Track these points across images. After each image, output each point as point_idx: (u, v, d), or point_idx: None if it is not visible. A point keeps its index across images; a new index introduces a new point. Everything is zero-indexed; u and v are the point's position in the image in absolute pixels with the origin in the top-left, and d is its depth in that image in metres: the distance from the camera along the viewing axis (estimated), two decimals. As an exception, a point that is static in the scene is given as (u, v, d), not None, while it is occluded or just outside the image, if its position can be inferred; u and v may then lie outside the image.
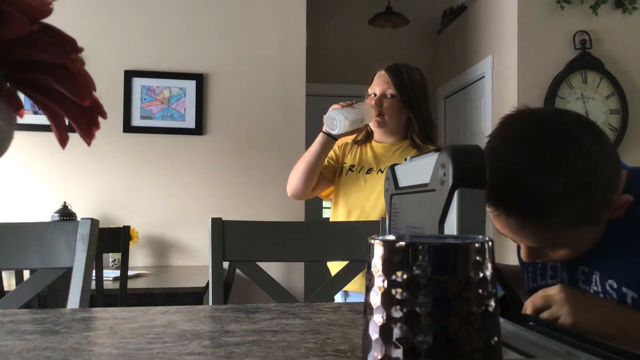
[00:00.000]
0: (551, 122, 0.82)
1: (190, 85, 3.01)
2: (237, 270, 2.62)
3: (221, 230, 1.32)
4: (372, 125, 1.84)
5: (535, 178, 0.77)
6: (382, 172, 1.82)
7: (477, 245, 0.37)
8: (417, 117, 1.84)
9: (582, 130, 0.80)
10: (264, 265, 1.34)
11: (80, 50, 0.39)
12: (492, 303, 0.38)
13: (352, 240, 1.38)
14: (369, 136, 1.92)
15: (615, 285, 0.82)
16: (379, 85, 1.85)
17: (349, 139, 1.93)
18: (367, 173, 1.83)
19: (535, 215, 0.78)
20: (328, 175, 1.89)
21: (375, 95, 1.85)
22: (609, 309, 0.79)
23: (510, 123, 0.86)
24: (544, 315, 0.75)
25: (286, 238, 1.37)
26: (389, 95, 1.83)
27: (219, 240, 1.31)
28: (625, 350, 0.52)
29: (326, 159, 1.87)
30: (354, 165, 1.87)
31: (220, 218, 1.33)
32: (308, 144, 3.27)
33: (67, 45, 0.39)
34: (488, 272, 0.38)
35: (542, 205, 0.77)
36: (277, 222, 1.42)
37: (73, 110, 0.42)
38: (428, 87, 1.93)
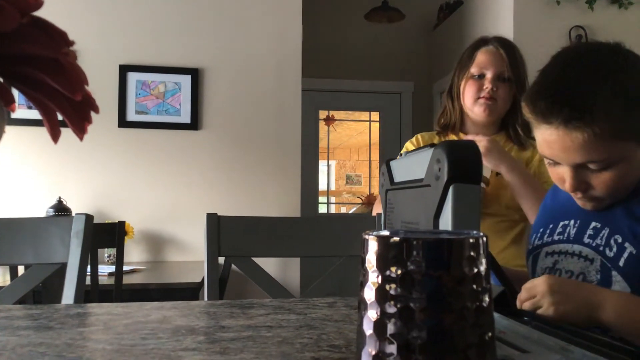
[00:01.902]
0: (600, 44, 0.91)
1: (186, 80, 3.00)
2: (233, 266, 2.62)
3: (216, 225, 1.32)
4: (479, 114, 1.50)
5: (588, 83, 0.84)
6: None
7: (471, 240, 0.37)
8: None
9: (628, 52, 0.88)
10: (259, 260, 1.34)
11: (72, 43, 0.39)
12: (487, 298, 0.38)
13: (347, 235, 1.38)
14: (457, 125, 1.58)
15: (619, 240, 0.86)
16: (493, 64, 1.48)
17: (427, 134, 1.63)
18: None
19: (587, 117, 0.82)
20: None
21: (479, 77, 1.49)
22: (590, 293, 0.79)
23: (561, 52, 0.94)
24: (526, 305, 0.76)
25: (282, 233, 1.37)
26: (505, 78, 1.49)
27: (214, 236, 1.31)
28: (621, 345, 0.52)
29: None
30: None
31: (216, 213, 1.33)
32: (304, 139, 3.28)
33: (58, 39, 0.38)
34: (482, 268, 0.38)
35: (592, 109, 0.82)
36: (273, 218, 1.42)
37: (65, 104, 0.41)
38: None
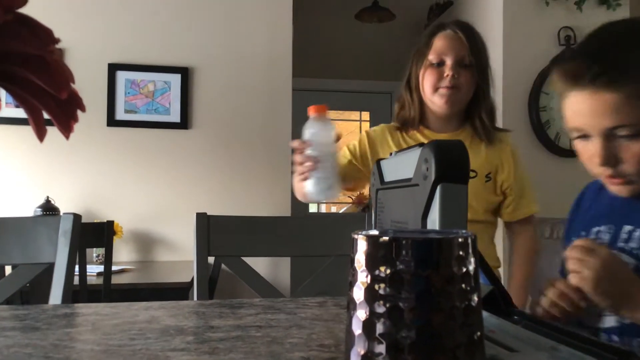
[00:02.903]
0: (636, 18, 0.92)
1: (175, 79, 2.99)
2: (223, 266, 2.61)
3: (206, 225, 1.31)
4: (440, 105, 1.39)
5: (621, 45, 0.84)
6: None
7: (460, 240, 0.37)
8: (487, 95, 1.43)
9: None
10: (249, 260, 1.33)
11: (58, 41, 0.38)
12: (475, 298, 0.38)
13: (337, 235, 1.38)
14: (416, 119, 1.45)
15: None
16: (452, 49, 1.37)
17: (380, 127, 1.51)
18: None
19: (617, 76, 0.80)
20: (356, 175, 1.46)
21: (438, 64, 1.38)
22: (635, 287, 0.79)
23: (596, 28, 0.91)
24: (570, 263, 0.79)
25: (272, 233, 1.37)
26: (467, 64, 1.37)
27: (204, 235, 1.30)
28: (609, 344, 0.52)
29: (343, 160, 1.43)
30: None
31: (205, 213, 1.33)
32: (294, 139, 3.26)
33: (43, 36, 0.38)
34: (471, 267, 0.38)
35: (624, 67, 0.80)
36: (263, 217, 1.42)
37: (51, 103, 0.41)
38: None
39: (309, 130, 1.17)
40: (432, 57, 1.39)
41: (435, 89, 1.38)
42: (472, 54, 1.37)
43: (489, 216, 1.47)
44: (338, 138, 1.17)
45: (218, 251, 1.32)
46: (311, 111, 1.17)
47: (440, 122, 1.45)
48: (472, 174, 1.37)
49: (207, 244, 1.30)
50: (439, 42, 1.39)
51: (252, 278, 1.32)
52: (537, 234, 1.55)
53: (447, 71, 1.36)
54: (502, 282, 1.38)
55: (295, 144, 1.19)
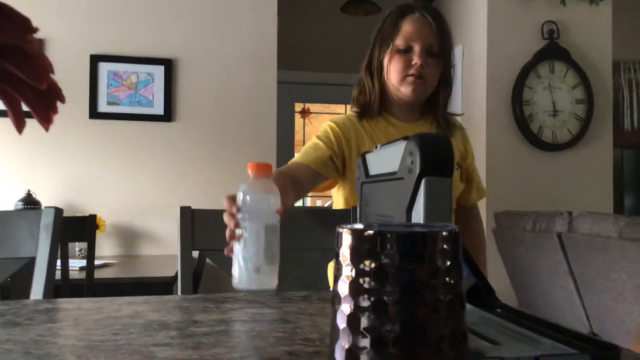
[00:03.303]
0: None
1: (159, 71, 2.96)
2: (207, 260, 2.60)
3: (190, 218, 1.30)
4: (407, 94, 1.31)
5: None
6: None
7: (444, 233, 0.37)
8: (450, 84, 1.38)
9: None
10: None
11: (36, 30, 0.37)
12: (459, 291, 0.38)
13: (323, 228, 1.37)
14: (376, 105, 1.37)
15: None
16: (421, 35, 1.29)
17: (342, 117, 1.42)
18: None
19: None
20: (330, 175, 1.33)
21: (405, 50, 1.30)
22: None
23: None
24: None
25: None
26: (434, 52, 1.30)
27: (187, 229, 1.29)
28: (589, 336, 0.53)
29: (320, 155, 1.31)
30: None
31: (189, 206, 1.31)
32: (279, 131, 3.26)
33: (21, 25, 0.37)
34: (455, 260, 0.38)
35: None
36: None
37: (29, 94, 0.40)
38: None
39: (243, 193, 0.90)
40: (399, 42, 1.30)
41: (403, 77, 1.31)
42: (441, 41, 1.30)
43: (454, 204, 1.45)
44: (281, 210, 0.90)
45: (202, 245, 1.31)
46: (250, 169, 0.92)
47: (403, 110, 1.38)
48: None
49: (192, 238, 1.30)
50: (407, 27, 1.30)
51: None
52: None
53: (416, 59, 1.29)
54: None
55: (226, 202, 0.92)
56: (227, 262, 1.31)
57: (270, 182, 0.92)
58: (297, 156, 1.33)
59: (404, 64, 1.30)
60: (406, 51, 1.30)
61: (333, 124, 1.38)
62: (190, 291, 1.26)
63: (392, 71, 1.32)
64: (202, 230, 1.31)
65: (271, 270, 0.88)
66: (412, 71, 1.29)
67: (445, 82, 1.36)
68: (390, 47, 1.32)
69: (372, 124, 1.37)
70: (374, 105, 1.36)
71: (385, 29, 1.34)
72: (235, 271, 0.88)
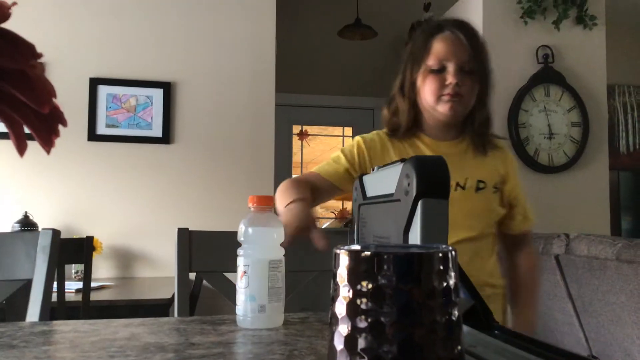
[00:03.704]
0: None
1: (158, 94, 2.98)
2: (204, 282, 2.59)
3: (187, 240, 1.30)
4: (444, 114, 1.28)
5: None
6: (462, 187, 1.27)
7: (440, 254, 0.38)
8: (488, 101, 1.33)
9: None
10: (231, 276, 1.32)
11: (40, 55, 0.38)
12: (456, 312, 0.38)
13: (319, 250, 1.37)
14: (409, 127, 1.34)
15: None
16: (454, 54, 1.25)
17: (372, 134, 1.39)
18: None
19: None
20: (346, 188, 1.31)
21: (439, 70, 1.26)
22: None
23: None
24: None
25: None
26: (467, 70, 1.26)
27: (185, 251, 1.29)
28: (589, 358, 0.53)
29: (337, 167, 1.31)
30: None
31: (187, 228, 1.32)
32: (277, 154, 3.27)
33: (25, 51, 0.38)
34: (452, 282, 0.38)
35: None
36: None
37: (32, 117, 0.41)
38: None
39: (244, 227, 0.88)
40: (431, 62, 1.27)
41: (438, 96, 1.27)
42: (475, 59, 1.26)
43: (494, 229, 1.37)
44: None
45: (199, 267, 1.31)
46: (251, 202, 0.90)
47: (440, 130, 1.34)
48: (481, 185, 1.29)
49: (189, 260, 1.29)
50: (439, 46, 1.27)
51: (234, 294, 1.30)
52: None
53: (450, 79, 1.25)
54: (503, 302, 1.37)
55: (315, 237, 0.95)
56: (224, 284, 1.31)
57: (273, 215, 0.90)
58: (316, 167, 1.34)
59: (439, 83, 1.27)
60: (440, 71, 1.27)
61: (360, 140, 1.37)
62: (187, 313, 1.25)
63: (427, 91, 1.29)
64: (199, 252, 1.31)
65: (276, 309, 0.87)
66: (447, 90, 1.26)
67: (481, 100, 1.32)
68: (423, 68, 1.29)
69: (404, 141, 1.35)
70: (407, 127, 1.34)
71: (416, 50, 1.31)
72: (240, 309, 0.87)
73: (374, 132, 1.40)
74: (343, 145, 5.15)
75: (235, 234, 1.39)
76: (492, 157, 1.35)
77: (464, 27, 1.29)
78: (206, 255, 1.32)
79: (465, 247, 1.26)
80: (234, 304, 1.28)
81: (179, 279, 1.27)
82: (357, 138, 1.38)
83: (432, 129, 1.35)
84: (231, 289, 1.31)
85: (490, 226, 1.34)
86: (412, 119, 1.34)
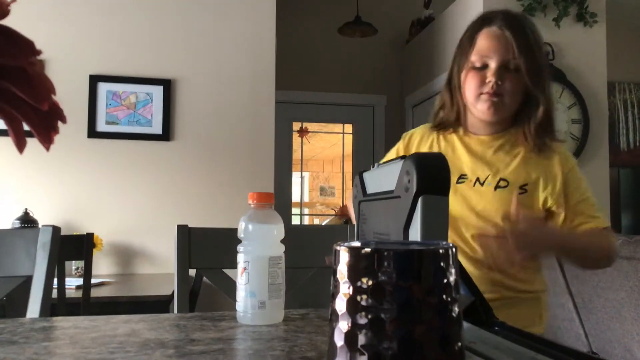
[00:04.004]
0: None
1: (158, 91, 2.97)
2: (204, 278, 2.59)
3: (187, 237, 1.30)
4: (483, 112, 1.25)
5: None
6: (480, 183, 1.24)
7: (441, 251, 0.38)
8: (544, 100, 1.25)
9: None
10: (231, 272, 1.33)
11: (39, 52, 0.38)
12: (456, 309, 0.38)
13: (320, 247, 1.38)
14: (454, 121, 1.32)
15: None
16: (496, 51, 1.21)
17: (417, 128, 1.40)
18: (458, 182, 1.27)
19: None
20: None
21: (480, 67, 1.23)
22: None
23: None
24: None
25: None
26: (512, 68, 1.21)
27: (184, 248, 1.29)
28: (589, 355, 0.53)
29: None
30: None
31: (187, 225, 1.32)
32: (277, 151, 3.27)
33: (25, 48, 0.38)
34: (452, 278, 0.38)
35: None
36: None
37: (31, 114, 0.41)
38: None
39: (244, 224, 0.88)
40: (474, 58, 1.24)
41: (478, 94, 1.24)
42: (521, 56, 1.20)
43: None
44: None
45: (199, 264, 1.31)
46: (251, 199, 0.90)
47: (480, 125, 1.31)
48: (503, 183, 1.24)
49: (188, 257, 1.29)
50: (483, 42, 1.23)
51: (234, 290, 1.30)
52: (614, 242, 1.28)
53: (490, 77, 1.21)
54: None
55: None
56: (224, 281, 1.31)
57: (273, 212, 0.90)
58: None
59: (479, 81, 1.23)
60: (482, 68, 1.23)
61: (405, 135, 1.41)
62: (187, 310, 1.25)
63: (468, 89, 1.26)
64: (199, 248, 1.31)
65: (276, 305, 0.87)
66: (486, 89, 1.22)
67: (533, 99, 1.25)
68: (466, 63, 1.26)
69: (441, 135, 1.34)
70: (452, 121, 1.32)
71: (464, 42, 1.29)
72: (240, 306, 0.87)
73: (422, 126, 1.41)
74: (343, 142, 5.15)
75: (234, 230, 1.39)
76: (536, 159, 1.27)
77: (512, 21, 1.23)
78: (205, 252, 1.32)
79: (485, 241, 1.22)
80: (234, 300, 1.27)
81: (178, 275, 1.27)
82: (404, 134, 1.42)
83: (473, 124, 1.31)
84: (230, 285, 1.31)
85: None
86: (456, 113, 1.31)
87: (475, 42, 1.24)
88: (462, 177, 1.26)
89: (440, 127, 1.34)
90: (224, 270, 1.32)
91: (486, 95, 1.23)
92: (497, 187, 1.23)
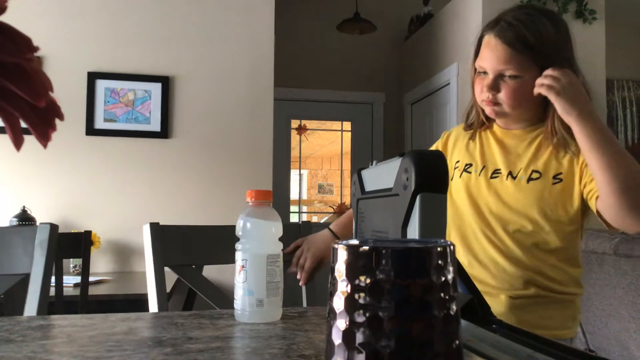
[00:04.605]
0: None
1: (156, 88, 2.97)
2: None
3: (160, 235, 1.28)
4: (487, 112, 1.26)
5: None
6: (513, 176, 1.23)
7: (439, 249, 0.38)
8: None
9: None
10: (208, 269, 1.32)
11: (36, 49, 0.38)
12: (454, 307, 0.38)
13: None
14: (479, 120, 1.33)
15: None
16: (491, 61, 1.21)
17: (454, 128, 1.43)
18: (491, 177, 1.25)
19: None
20: None
21: (482, 72, 1.24)
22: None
23: None
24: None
25: (226, 241, 1.31)
26: (507, 76, 1.20)
27: (157, 245, 1.27)
28: (586, 353, 0.53)
29: None
30: (469, 164, 1.29)
31: (158, 223, 1.30)
32: (275, 148, 3.27)
33: (21, 44, 0.37)
34: (450, 276, 0.38)
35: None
36: (219, 226, 1.37)
37: (28, 111, 0.40)
38: (570, 37, 1.28)
39: (242, 222, 0.89)
40: (477, 64, 1.25)
41: (481, 100, 1.26)
42: (517, 63, 1.18)
43: (569, 226, 1.23)
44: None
45: (172, 261, 1.29)
46: (249, 197, 0.90)
47: (506, 120, 1.30)
48: (535, 175, 1.21)
49: (162, 255, 1.27)
50: (483, 49, 1.24)
51: (208, 289, 1.28)
52: None
53: (485, 88, 1.22)
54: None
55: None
56: (196, 278, 1.30)
57: (271, 210, 0.90)
58: None
59: (480, 88, 1.25)
60: (483, 73, 1.24)
61: (444, 134, 1.45)
62: (166, 309, 1.24)
63: (475, 91, 1.28)
64: (171, 246, 1.30)
65: (274, 303, 0.87)
66: (484, 97, 1.24)
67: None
68: (474, 66, 1.27)
69: (475, 133, 1.34)
70: (477, 120, 1.33)
71: (476, 43, 1.29)
72: (238, 304, 0.87)
73: (458, 125, 1.44)
74: (341, 139, 5.15)
75: (206, 228, 1.35)
76: (557, 155, 1.24)
77: (508, 26, 1.21)
78: (176, 250, 1.30)
79: (521, 238, 1.21)
80: (208, 299, 1.22)
81: (155, 274, 1.26)
82: (444, 133, 1.45)
83: (502, 120, 1.31)
84: (204, 283, 1.29)
85: (557, 220, 1.21)
86: (481, 111, 1.30)
87: (480, 46, 1.25)
88: (495, 172, 1.25)
89: (472, 126, 1.34)
90: (204, 266, 1.30)
91: (484, 103, 1.24)
92: (529, 179, 1.22)
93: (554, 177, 1.21)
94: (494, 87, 1.21)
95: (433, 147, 1.46)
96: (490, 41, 1.22)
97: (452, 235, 1.30)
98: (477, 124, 1.33)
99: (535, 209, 1.20)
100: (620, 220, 1.12)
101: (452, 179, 1.32)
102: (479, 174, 1.26)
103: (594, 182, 1.14)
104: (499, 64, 1.20)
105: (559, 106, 1.13)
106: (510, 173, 1.23)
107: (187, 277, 1.28)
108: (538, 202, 1.20)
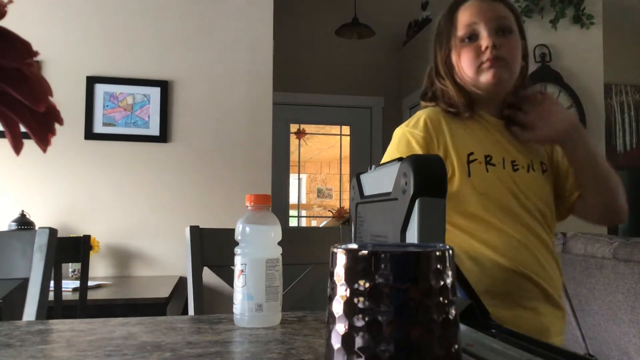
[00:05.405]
0: None
1: (155, 92, 2.97)
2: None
3: (199, 237, 1.33)
4: (488, 84, 1.14)
5: None
6: (533, 168, 1.17)
7: (438, 253, 0.38)
8: (527, 70, 1.21)
9: None
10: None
11: (36, 54, 0.38)
12: (453, 311, 0.38)
13: (317, 248, 1.38)
14: (470, 104, 1.18)
15: None
16: (483, 15, 1.13)
17: (437, 113, 1.20)
18: (514, 170, 1.16)
19: None
20: None
21: (470, 39, 1.14)
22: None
23: None
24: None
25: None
26: (503, 28, 1.13)
27: (197, 248, 1.32)
28: (586, 358, 0.53)
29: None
30: (489, 156, 1.14)
31: (198, 226, 1.34)
32: (274, 153, 3.27)
33: (21, 49, 0.38)
34: (449, 280, 0.38)
35: None
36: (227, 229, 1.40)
37: (28, 116, 0.41)
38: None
39: (241, 226, 0.89)
40: (461, 33, 1.15)
41: (477, 66, 1.14)
42: (508, 11, 1.14)
43: (551, 219, 1.21)
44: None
45: (211, 262, 1.34)
46: (248, 201, 0.89)
47: (488, 105, 1.20)
48: (544, 167, 1.20)
49: (201, 256, 1.32)
50: (465, 14, 1.15)
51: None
52: None
53: (485, 43, 1.12)
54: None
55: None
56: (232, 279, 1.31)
57: (271, 214, 0.90)
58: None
59: (474, 52, 1.14)
60: (473, 39, 1.14)
61: (417, 120, 1.24)
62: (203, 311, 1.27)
63: (465, 65, 1.16)
64: (210, 248, 1.34)
65: (273, 308, 0.87)
66: (485, 57, 1.13)
67: (525, 72, 1.21)
68: (454, 43, 1.17)
69: (465, 122, 1.20)
70: (464, 105, 1.18)
71: (441, 29, 1.21)
72: (237, 308, 0.87)
73: (428, 110, 1.22)
74: (340, 143, 5.16)
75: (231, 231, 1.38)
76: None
77: None
78: (216, 251, 1.36)
79: (537, 243, 1.14)
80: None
81: (194, 276, 1.30)
82: (423, 118, 1.18)
83: (487, 106, 1.21)
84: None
85: (547, 215, 1.19)
86: (463, 97, 1.18)
87: (456, 19, 1.17)
88: (514, 165, 1.15)
89: (458, 111, 1.19)
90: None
91: (487, 64, 1.13)
92: (542, 171, 1.21)
93: (542, 164, 1.22)
94: (496, 39, 1.12)
95: (413, 142, 1.16)
96: (472, 2, 1.16)
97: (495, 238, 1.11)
98: (462, 108, 1.18)
99: (552, 201, 1.21)
100: (596, 218, 1.26)
101: (469, 175, 1.11)
102: (503, 167, 1.14)
103: (571, 177, 1.23)
104: (494, 14, 1.13)
105: (545, 142, 1.20)
106: (529, 165, 1.17)
107: (224, 276, 1.33)
108: (551, 194, 1.22)
